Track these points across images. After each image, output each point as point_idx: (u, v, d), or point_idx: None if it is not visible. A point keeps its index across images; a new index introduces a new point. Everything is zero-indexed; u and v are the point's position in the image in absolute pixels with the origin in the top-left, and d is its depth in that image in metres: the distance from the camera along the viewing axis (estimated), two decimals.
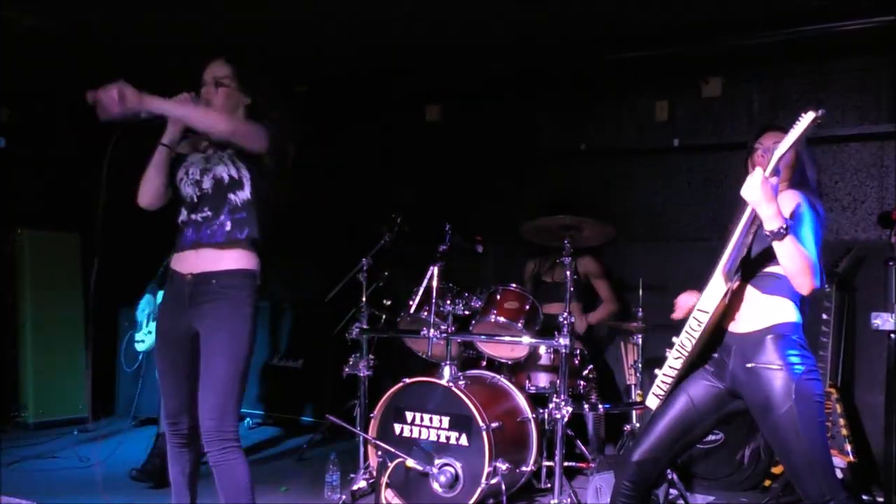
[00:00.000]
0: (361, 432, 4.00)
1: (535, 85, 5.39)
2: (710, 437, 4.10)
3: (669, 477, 3.82)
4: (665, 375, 2.56)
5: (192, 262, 2.75)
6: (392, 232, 4.37)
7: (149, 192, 2.81)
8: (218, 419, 2.64)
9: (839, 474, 3.81)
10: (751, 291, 2.47)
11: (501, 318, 4.09)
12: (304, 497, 4.10)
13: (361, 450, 4.09)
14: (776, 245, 2.27)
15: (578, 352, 4.28)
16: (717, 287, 2.37)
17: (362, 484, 3.97)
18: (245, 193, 2.75)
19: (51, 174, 6.04)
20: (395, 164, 5.99)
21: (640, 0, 4.12)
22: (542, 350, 4.25)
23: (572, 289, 3.78)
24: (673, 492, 3.85)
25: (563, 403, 3.62)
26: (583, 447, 4.28)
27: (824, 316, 3.97)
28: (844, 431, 3.91)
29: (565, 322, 3.67)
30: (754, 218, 2.32)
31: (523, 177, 5.58)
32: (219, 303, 2.69)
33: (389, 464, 3.69)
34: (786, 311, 2.44)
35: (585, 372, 4.33)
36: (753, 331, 2.45)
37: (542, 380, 4.28)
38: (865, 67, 4.53)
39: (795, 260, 2.27)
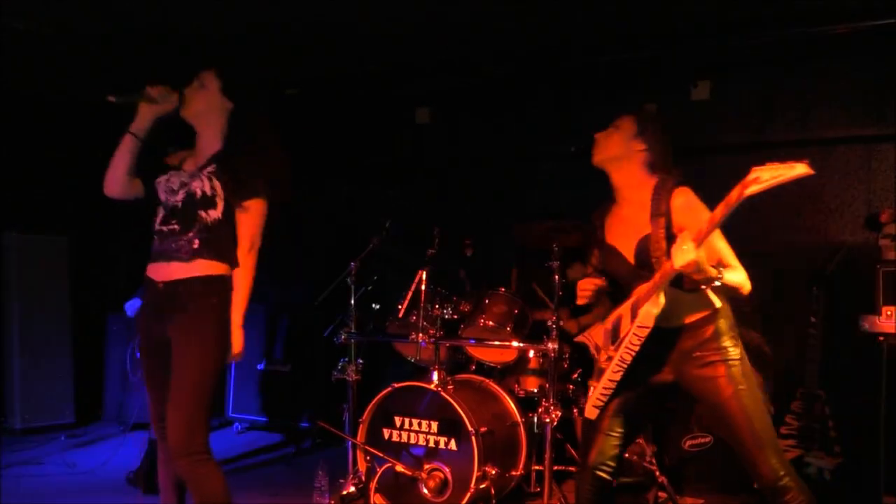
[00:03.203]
0: (350, 437, 3.99)
1: (524, 87, 5.39)
2: (700, 440, 4.10)
3: (659, 480, 3.83)
4: (605, 388, 2.62)
5: (163, 270, 2.71)
6: (381, 235, 4.35)
7: (111, 179, 2.78)
8: (186, 434, 2.58)
9: (827, 476, 3.83)
10: (674, 291, 2.49)
11: (490, 322, 4.09)
12: (292, 502, 4.08)
13: (350, 454, 4.07)
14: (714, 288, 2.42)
15: (567, 355, 4.28)
16: (656, 304, 2.42)
17: (351, 489, 3.95)
18: (216, 213, 2.70)
19: (38, 177, 6.00)
20: (385, 167, 5.98)
21: (628, 2, 4.12)
22: (531, 354, 4.24)
23: (560, 293, 3.78)
24: (662, 495, 3.85)
25: (552, 407, 3.61)
26: (572, 451, 4.27)
27: (812, 319, 3.98)
28: (833, 433, 3.91)
29: (553, 326, 3.66)
30: None
31: (512, 179, 5.57)
32: (188, 310, 2.65)
33: (378, 469, 3.68)
34: (709, 300, 2.53)
35: (574, 375, 4.33)
36: (689, 324, 2.54)
37: (532, 384, 4.28)
38: (853, 70, 4.54)
39: (731, 290, 2.44)
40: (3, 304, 5.58)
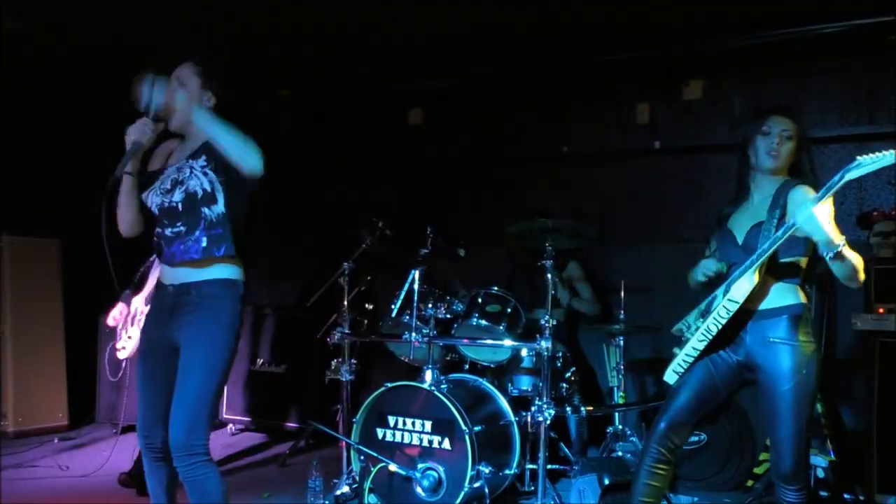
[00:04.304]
0: (344, 437, 3.99)
1: (518, 88, 5.39)
2: (694, 439, 4.11)
3: None
4: (687, 355, 2.76)
5: (174, 274, 2.70)
6: (374, 235, 4.36)
7: (124, 222, 2.76)
8: (187, 432, 2.57)
9: (821, 474, 3.84)
10: (766, 277, 2.65)
11: (483, 322, 4.09)
12: (287, 503, 4.08)
13: (344, 455, 4.07)
14: (831, 263, 2.46)
15: (561, 354, 4.28)
16: (749, 280, 2.58)
17: (345, 489, 3.95)
18: (219, 207, 2.66)
19: (31, 179, 5.98)
20: (378, 168, 5.98)
21: (622, 3, 4.14)
22: (525, 353, 4.25)
23: (553, 292, 3.78)
24: None
25: (545, 406, 3.61)
26: (566, 450, 4.28)
27: None
28: (826, 431, 3.92)
29: (547, 325, 3.67)
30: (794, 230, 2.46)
31: (506, 179, 5.58)
32: (198, 313, 2.63)
33: (372, 469, 3.67)
34: (796, 294, 2.70)
35: (568, 374, 4.33)
36: (770, 309, 2.68)
37: (525, 383, 4.28)
38: (844, 70, 4.56)
39: (848, 270, 2.50)
40: None
